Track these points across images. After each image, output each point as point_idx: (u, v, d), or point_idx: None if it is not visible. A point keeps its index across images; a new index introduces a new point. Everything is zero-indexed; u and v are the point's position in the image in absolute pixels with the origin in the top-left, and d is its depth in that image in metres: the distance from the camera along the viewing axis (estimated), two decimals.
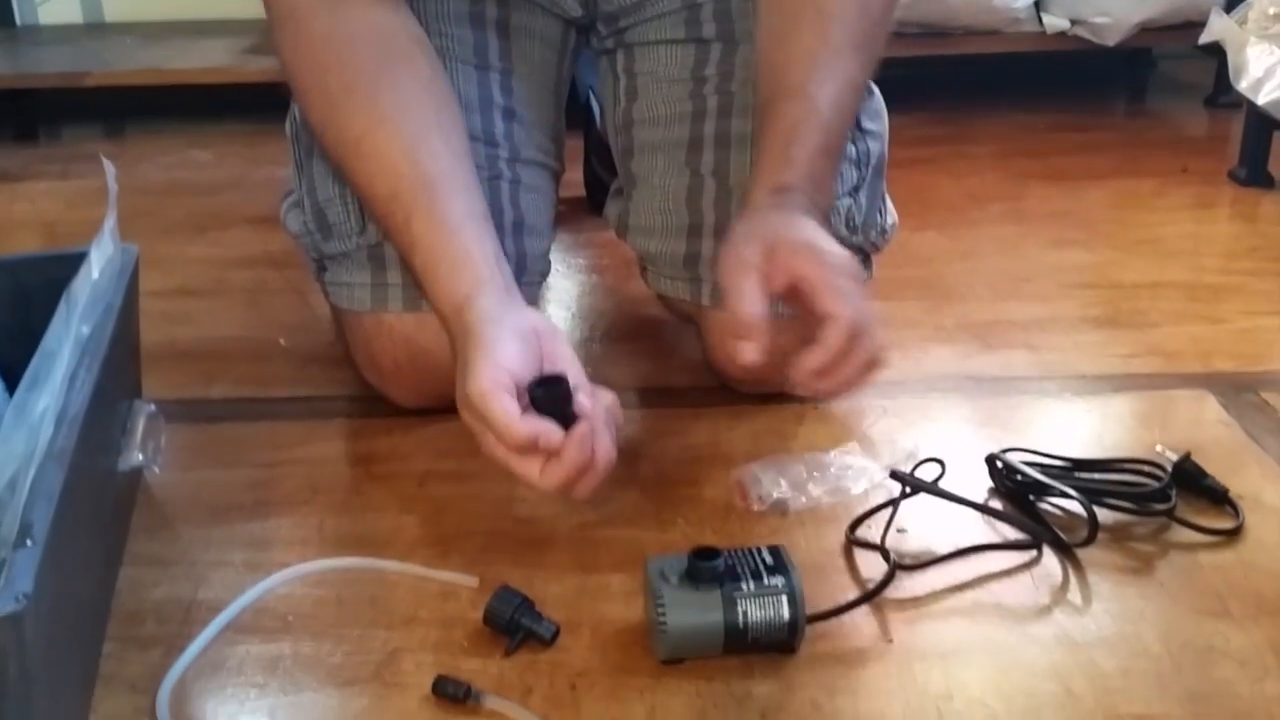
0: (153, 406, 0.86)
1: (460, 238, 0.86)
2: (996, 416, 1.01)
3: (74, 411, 0.66)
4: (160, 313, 1.18)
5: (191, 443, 0.97)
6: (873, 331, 0.79)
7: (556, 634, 0.73)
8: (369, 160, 0.88)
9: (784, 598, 0.70)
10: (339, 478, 0.93)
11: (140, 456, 0.82)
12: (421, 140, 0.88)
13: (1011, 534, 0.83)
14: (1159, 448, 0.90)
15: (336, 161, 0.92)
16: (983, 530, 0.84)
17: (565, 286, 1.31)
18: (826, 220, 0.88)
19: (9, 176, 1.78)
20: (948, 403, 1.03)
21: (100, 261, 0.77)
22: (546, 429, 0.75)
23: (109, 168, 0.79)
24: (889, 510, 0.84)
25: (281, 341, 1.16)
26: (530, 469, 0.77)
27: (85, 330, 0.73)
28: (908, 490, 0.84)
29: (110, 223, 0.79)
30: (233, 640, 0.74)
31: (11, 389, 0.66)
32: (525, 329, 0.81)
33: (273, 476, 0.92)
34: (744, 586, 0.70)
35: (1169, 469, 0.87)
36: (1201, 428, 0.98)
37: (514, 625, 0.72)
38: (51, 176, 1.77)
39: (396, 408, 1.00)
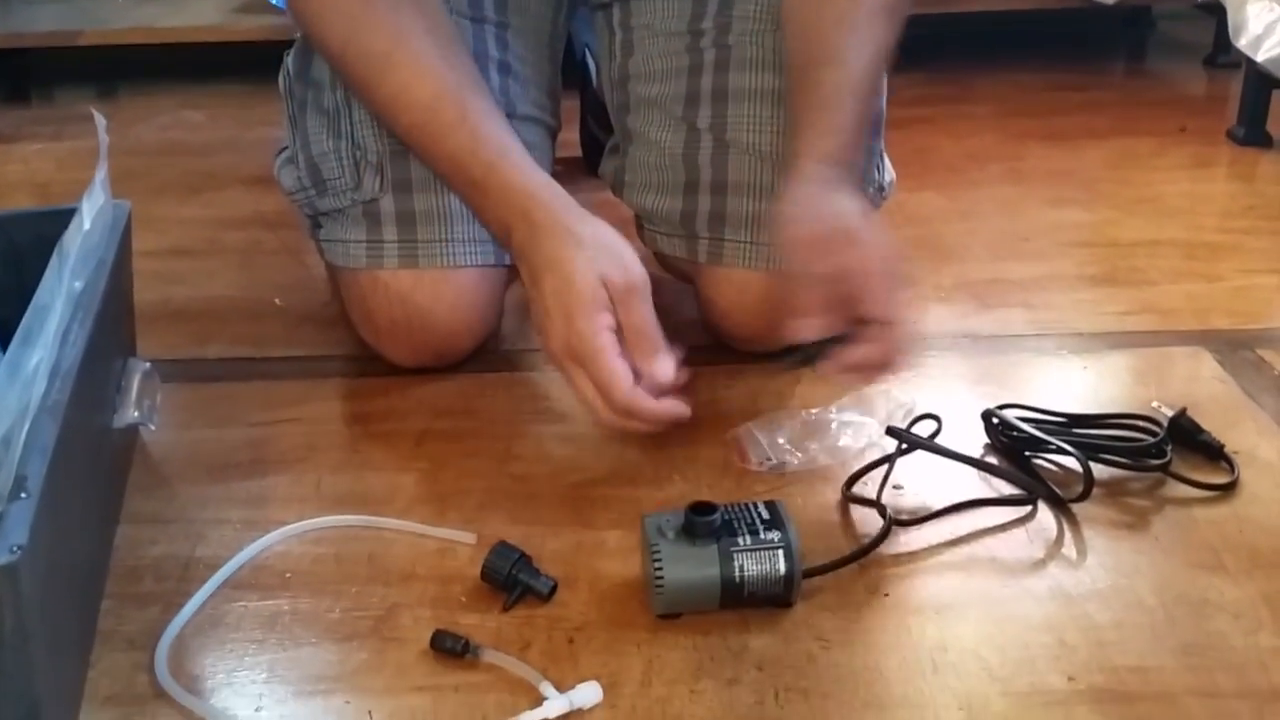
0: (148, 364, 0.86)
1: (517, 134, 0.87)
2: (993, 374, 1.00)
3: (67, 366, 0.66)
4: (154, 273, 1.17)
5: (187, 402, 0.97)
6: (905, 337, 0.81)
7: (554, 589, 0.73)
8: (401, 68, 0.87)
9: (780, 552, 0.70)
10: (336, 436, 0.93)
11: (136, 413, 0.82)
12: (451, 48, 0.88)
13: (1007, 490, 0.83)
14: (1155, 404, 0.90)
15: (360, 79, 0.90)
16: (978, 486, 0.84)
17: None
18: (864, 192, 0.89)
19: (1, 137, 1.77)
20: (945, 361, 1.03)
21: (91, 212, 0.76)
22: (650, 411, 0.80)
23: (99, 119, 0.79)
24: (885, 467, 0.84)
25: (277, 301, 1.16)
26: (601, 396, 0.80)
27: (78, 285, 0.73)
28: (904, 447, 0.85)
29: (101, 174, 0.78)
30: (231, 597, 0.74)
31: (5, 346, 0.65)
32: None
33: (269, 435, 0.92)
34: (740, 541, 0.70)
35: (1164, 425, 0.87)
36: (1198, 384, 0.98)
37: (512, 581, 0.73)
38: (44, 138, 1.76)
39: (393, 367, 1.00)
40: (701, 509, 0.71)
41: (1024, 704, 0.65)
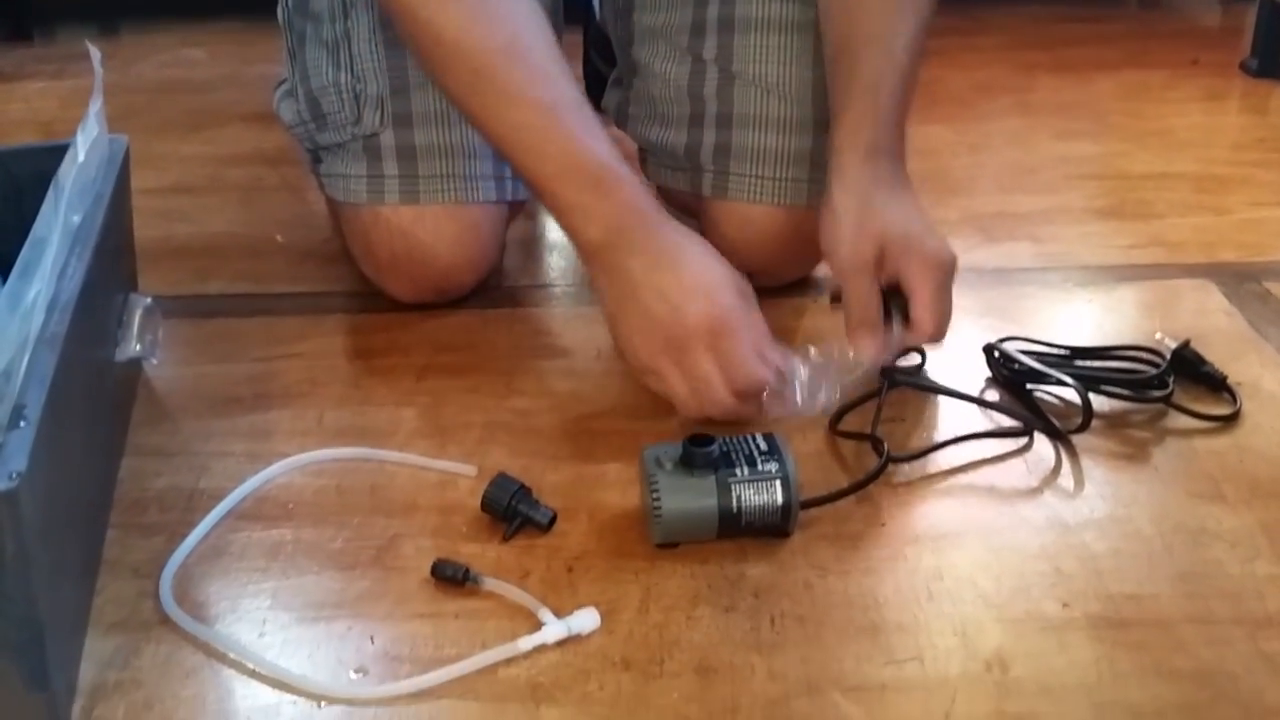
0: (149, 300, 0.86)
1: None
2: (997, 307, 1.00)
3: (65, 299, 0.66)
4: (155, 210, 1.17)
5: (190, 337, 0.97)
6: (943, 332, 0.85)
7: (553, 520, 0.73)
8: (522, 65, 0.82)
9: (778, 483, 0.70)
10: (338, 371, 0.94)
11: (138, 347, 0.82)
12: (561, 54, 0.85)
13: (1008, 423, 0.83)
14: (1158, 335, 0.90)
15: (474, 69, 0.83)
16: (978, 419, 0.84)
17: None
18: (905, 168, 0.89)
19: (4, 76, 1.76)
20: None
21: (86, 145, 0.76)
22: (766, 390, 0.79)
23: (94, 53, 0.78)
24: (878, 400, 0.83)
25: (278, 238, 1.16)
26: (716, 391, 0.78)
27: (75, 219, 0.73)
28: (890, 384, 0.84)
29: (96, 106, 0.78)
30: (235, 527, 0.75)
31: (4, 281, 0.65)
32: None
33: (272, 370, 0.93)
34: (739, 472, 0.71)
35: (1167, 356, 0.87)
36: (1204, 317, 0.98)
37: (511, 511, 0.73)
38: (46, 76, 1.75)
39: (394, 302, 1.00)
40: (699, 440, 0.71)
41: (1019, 629, 0.65)
